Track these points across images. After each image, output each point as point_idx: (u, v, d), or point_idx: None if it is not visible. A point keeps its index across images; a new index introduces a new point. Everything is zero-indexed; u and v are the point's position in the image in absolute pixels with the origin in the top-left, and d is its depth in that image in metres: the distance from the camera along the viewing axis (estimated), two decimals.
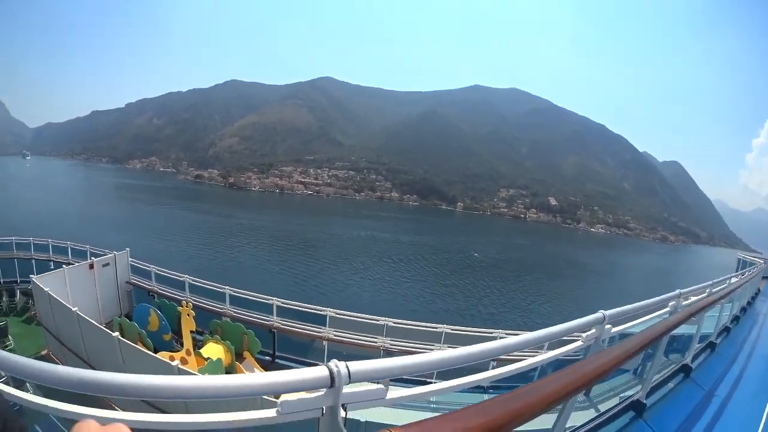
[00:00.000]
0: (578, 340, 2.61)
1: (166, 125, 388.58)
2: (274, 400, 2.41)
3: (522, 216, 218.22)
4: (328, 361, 1.29)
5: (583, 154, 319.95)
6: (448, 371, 1.78)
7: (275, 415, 1.26)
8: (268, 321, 11.19)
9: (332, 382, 1.25)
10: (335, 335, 10.43)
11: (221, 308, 11.76)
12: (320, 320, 10.82)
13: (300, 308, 11.07)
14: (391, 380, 1.51)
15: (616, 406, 3.20)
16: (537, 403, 1.20)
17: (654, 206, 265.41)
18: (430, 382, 1.92)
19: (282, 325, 11.09)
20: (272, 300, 11.26)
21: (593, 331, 2.59)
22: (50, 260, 17.15)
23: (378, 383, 1.39)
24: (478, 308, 38.72)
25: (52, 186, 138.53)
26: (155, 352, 8.96)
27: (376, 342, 10.28)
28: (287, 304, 11.19)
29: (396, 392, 1.47)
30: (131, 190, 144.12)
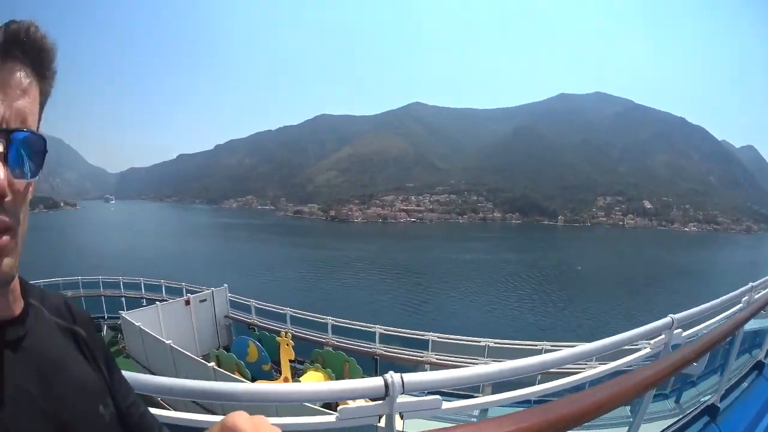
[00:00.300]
0: (646, 347, 2.62)
1: (260, 164, 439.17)
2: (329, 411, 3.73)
3: (620, 223, 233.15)
4: None
5: (670, 151, 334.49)
6: (500, 386, 2.23)
7: (334, 420, 1.49)
8: (370, 348, 12.58)
9: (387, 391, 1.42)
10: (437, 359, 11.70)
11: (323, 338, 13.36)
12: (423, 345, 12.09)
13: (403, 334, 12.58)
14: (443, 393, 1.83)
15: (690, 412, 3.26)
16: (592, 407, 1.29)
17: (738, 197, 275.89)
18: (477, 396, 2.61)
19: (385, 351, 12.50)
20: (375, 328, 12.70)
21: (662, 337, 2.58)
22: (142, 297, 19.21)
23: (433, 395, 1.57)
24: (588, 322, 39.68)
25: (144, 227, 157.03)
26: (253, 381, 10.12)
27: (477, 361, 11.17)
28: (390, 330, 12.77)
29: (448, 404, 1.65)
30: (231, 228, 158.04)
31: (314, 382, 8.39)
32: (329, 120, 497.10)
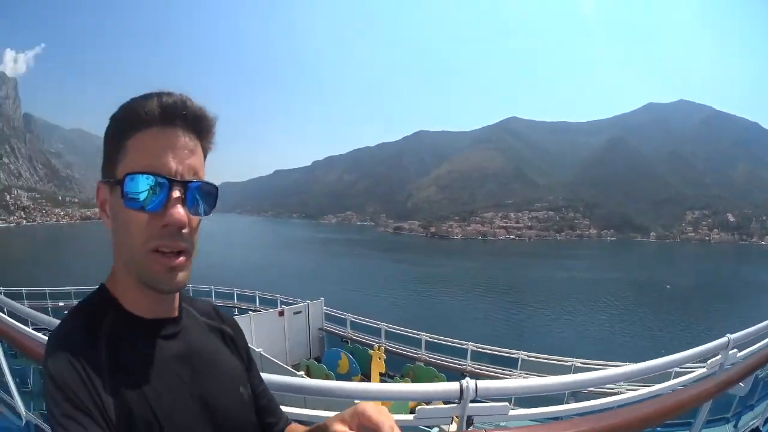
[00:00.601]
0: (703, 368, 2.68)
1: (359, 180, 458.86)
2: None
3: (706, 238, 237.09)
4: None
5: (748, 159, 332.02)
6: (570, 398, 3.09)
7: (411, 418, 1.65)
8: (461, 365, 13.09)
9: (461, 395, 1.60)
10: (525, 377, 11.70)
11: (416, 353, 14.02)
12: (512, 363, 12.66)
13: (494, 352, 13.31)
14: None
15: None
16: (634, 420, 1.45)
17: None
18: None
19: (475, 368, 12.95)
20: (467, 345, 13.34)
21: (718, 357, 2.59)
22: (234, 307, 20.63)
23: (502, 402, 1.72)
24: (678, 343, 34.87)
25: (238, 239, 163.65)
26: None
27: None
28: (482, 348, 13.38)
29: (516, 411, 1.80)
30: (329, 243, 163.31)
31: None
32: (427, 136, 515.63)
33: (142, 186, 0.71)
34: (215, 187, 0.80)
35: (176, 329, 0.84)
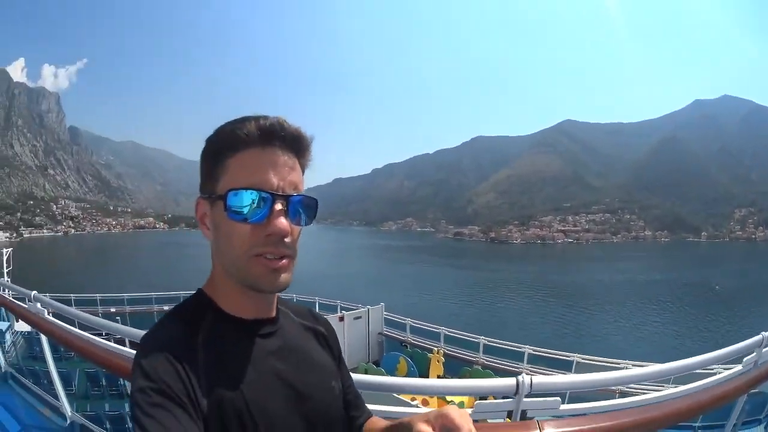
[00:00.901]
0: (738, 366, 2.61)
1: (419, 187, 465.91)
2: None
3: (753, 237, 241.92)
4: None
5: None
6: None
7: (470, 412, 1.67)
8: (518, 368, 13.07)
9: (517, 390, 1.69)
10: None
11: (473, 357, 14.30)
12: (567, 366, 12.89)
13: (549, 355, 13.56)
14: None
15: None
16: (662, 416, 1.50)
17: None
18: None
19: (531, 371, 12.79)
20: (524, 348, 13.62)
21: (753, 355, 2.55)
22: None
23: (554, 396, 1.78)
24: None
25: (302, 247, 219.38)
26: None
27: None
28: (538, 351, 13.67)
29: (567, 406, 1.88)
30: (389, 250, 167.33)
31: (458, 399, 8.30)
32: (485, 141, 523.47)
33: (246, 200, 0.79)
34: (315, 200, 0.88)
35: (273, 328, 0.92)
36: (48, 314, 3.27)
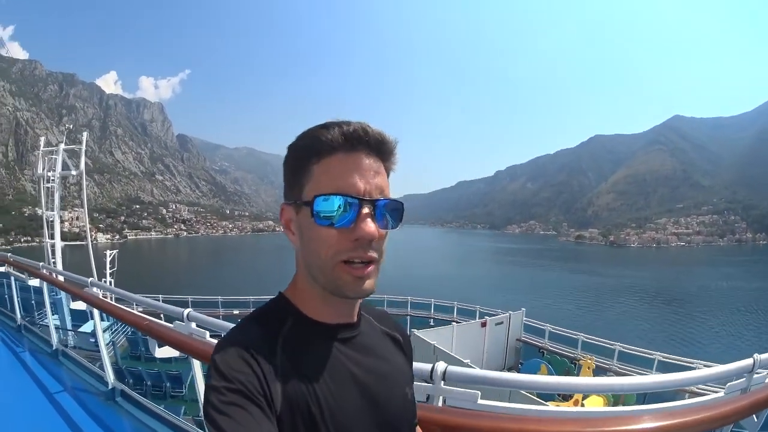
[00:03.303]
0: (719, 391, 2.59)
1: (542, 189, 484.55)
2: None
3: None
4: None
5: None
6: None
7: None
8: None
9: (431, 377, 1.80)
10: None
11: (608, 364, 15.07)
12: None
13: (675, 361, 14.28)
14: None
15: None
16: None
17: None
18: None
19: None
20: (655, 354, 14.44)
21: (741, 380, 2.44)
22: (429, 317, 22.49)
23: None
24: None
25: (420, 250, 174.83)
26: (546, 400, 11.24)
27: None
28: (668, 358, 14.36)
29: (487, 402, 1.87)
30: (514, 254, 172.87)
31: (595, 405, 9.06)
32: (603, 141, 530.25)
33: (333, 205, 0.83)
34: (401, 204, 0.91)
35: (354, 333, 0.97)
36: (101, 296, 4.16)
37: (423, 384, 1.82)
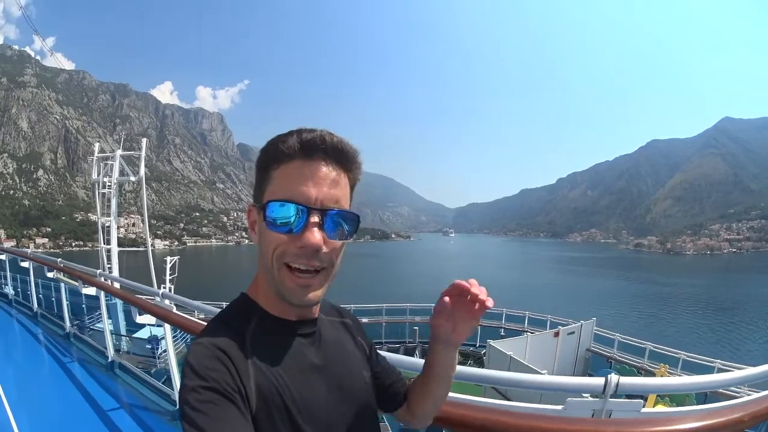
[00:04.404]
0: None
1: (601, 196, 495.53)
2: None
3: None
4: None
5: None
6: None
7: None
8: None
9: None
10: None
11: (671, 372, 15.07)
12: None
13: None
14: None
15: None
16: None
17: None
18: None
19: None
20: (715, 362, 14.64)
21: None
22: (500, 327, 22.59)
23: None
24: None
25: (485, 259, 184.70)
26: None
27: None
28: (727, 365, 14.44)
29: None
30: (575, 262, 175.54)
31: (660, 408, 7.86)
32: (660, 145, 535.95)
33: (281, 212, 0.89)
34: (356, 215, 0.95)
35: (315, 328, 1.05)
36: (173, 308, 3.87)
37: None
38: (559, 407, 1.89)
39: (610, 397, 1.80)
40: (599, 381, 1.82)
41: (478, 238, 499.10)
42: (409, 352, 19.09)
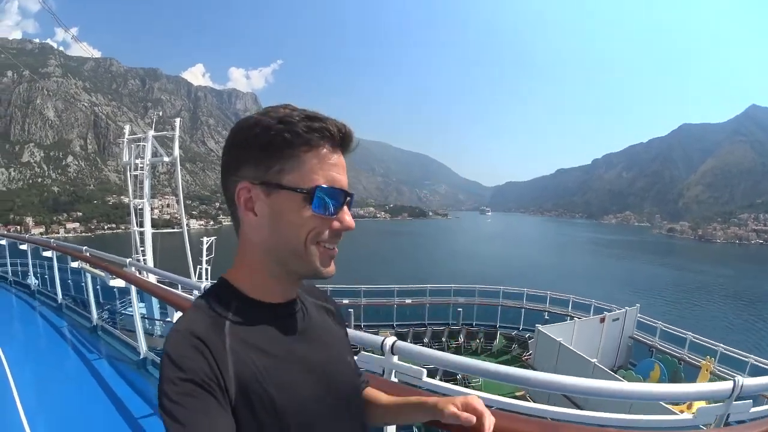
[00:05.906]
0: (688, 416, 2.27)
1: (636, 178, 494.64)
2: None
3: None
4: None
5: None
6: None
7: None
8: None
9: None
10: None
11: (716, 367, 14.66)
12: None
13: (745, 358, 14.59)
14: None
15: None
16: None
17: None
18: None
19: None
20: (749, 358, 14.44)
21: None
22: (545, 311, 22.22)
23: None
24: None
25: (522, 239, 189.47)
26: None
27: None
28: (761, 363, 14.30)
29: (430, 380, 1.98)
30: (610, 245, 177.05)
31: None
32: (691, 130, 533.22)
33: (333, 196, 0.91)
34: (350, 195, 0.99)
35: (295, 309, 1.04)
36: (138, 273, 4.31)
37: (376, 356, 2.08)
38: (686, 416, 2.02)
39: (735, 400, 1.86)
40: (726, 386, 1.84)
41: (514, 217, 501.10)
42: (454, 335, 20.27)
